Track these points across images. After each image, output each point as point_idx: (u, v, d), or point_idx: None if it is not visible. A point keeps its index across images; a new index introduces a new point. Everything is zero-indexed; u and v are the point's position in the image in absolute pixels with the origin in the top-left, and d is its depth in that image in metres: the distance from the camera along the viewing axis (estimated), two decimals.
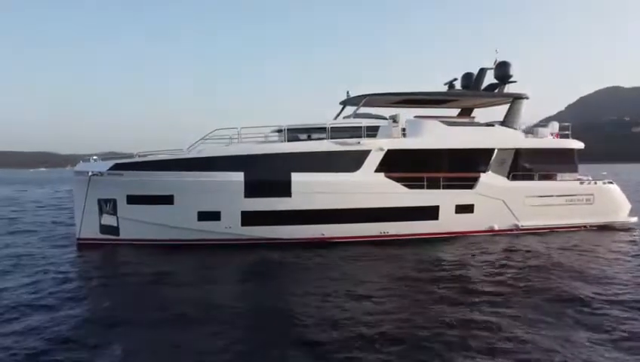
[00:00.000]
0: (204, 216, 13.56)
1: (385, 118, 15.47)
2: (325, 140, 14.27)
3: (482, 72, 17.38)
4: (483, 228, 15.21)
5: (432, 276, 10.34)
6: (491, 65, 17.14)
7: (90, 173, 13.71)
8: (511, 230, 15.41)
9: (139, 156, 14.06)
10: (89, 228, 14.04)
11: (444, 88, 18.10)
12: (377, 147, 14.30)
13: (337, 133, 14.49)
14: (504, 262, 11.69)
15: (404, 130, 15.10)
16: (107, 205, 13.99)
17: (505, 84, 17.00)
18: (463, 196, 14.90)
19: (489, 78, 17.40)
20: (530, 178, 15.86)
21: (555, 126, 17.20)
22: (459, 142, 15.05)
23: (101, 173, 13.68)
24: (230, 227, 13.68)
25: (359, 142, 14.25)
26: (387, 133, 14.73)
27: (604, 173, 17.48)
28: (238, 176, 13.40)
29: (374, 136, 14.65)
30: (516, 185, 15.59)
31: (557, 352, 6.25)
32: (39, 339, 6.86)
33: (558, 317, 7.56)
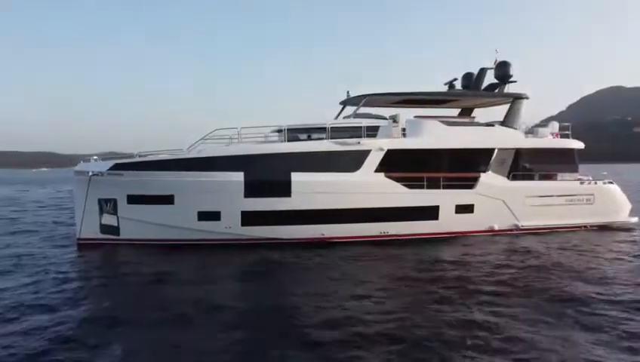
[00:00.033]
0: (204, 216, 13.57)
1: (385, 118, 15.47)
2: (325, 140, 14.28)
3: (482, 71, 17.38)
4: (483, 228, 15.21)
5: (432, 276, 10.34)
6: (491, 65, 17.14)
7: (90, 173, 13.73)
8: (511, 230, 15.41)
9: (139, 156, 14.07)
10: (89, 228, 14.06)
11: (445, 88, 18.10)
12: (377, 147, 14.31)
13: (337, 133, 14.50)
14: (504, 262, 11.70)
15: (404, 130, 15.10)
16: (107, 205, 14.01)
17: (505, 83, 17.00)
18: (463, 196, 14.89)
19: (489, 78, 17.41)
20: (531, 178, 15.86)
21: (555, 126, 17.19)
22: (459, 142, 15.05)
23: (101, 173, 13.70)
24: (230, 227, 13.69)
25: (359, 142, 14.25)
26: (387, 133, 14.73)
27: (605, 173, 17.47)
28: (238, 176, 13.41)
29: (374, 136, 14.65)
30: (516, 185, 15.59)
31: (557, 352, 6.26)
32: (39, 339, 6.87)
33: (558, 317, 7.57)
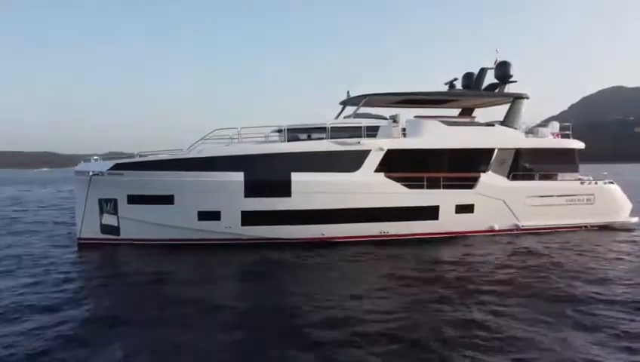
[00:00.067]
0: (204, 215, 13.59)
1: (385, 118, 15.47)
2: (325, 140, 14.29)
3: (483, 71, 17.38)
4: (483, 228, 15.20)
5: (432, 276, 10.35)
6: (492, 65, 17.13)
7: (90, 173, 13.74)
8: (511, 230, 15.41)
9: (139, 156, 14.09)
10: (90, 228, 14.07)
11: (445, 88, 18.09)
12: (377, 147, 14.31)
13: (337, 133, 14.50)
14: (504, 262, 11.70)
15: (404, 130, 15.10)
16: (108, 205, 14.02)
17: (505, 83, 16.99)
18: (463, 196, 14.89)
19: (489, 78, 17.41)
20: (531, 178, 15.85)
21: (555, 126, 17.18)
22: (459, 142, 15.05)
23: (102, 173, 13.71)
24: (230, 227, 13.70)
25: (359, 142, 14.26)
26: (387, 133, 14.74)
27: (605, 172, 17.46)
28: (238, 176, 13.42)
29: (374, 136, 14.65)
30: (516, 185, 15.58)
31: (556, 352, 6.27)
32: (40, 339, 6.89)
33: (558, 317, 7.57)
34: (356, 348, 6.47)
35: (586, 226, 16.20)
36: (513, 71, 16.76)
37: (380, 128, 14.83)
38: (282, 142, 14.54)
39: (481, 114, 18.73)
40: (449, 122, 15.70)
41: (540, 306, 8.11)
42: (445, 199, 14.71)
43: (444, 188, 14.67)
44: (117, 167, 13.74)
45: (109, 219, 14.12)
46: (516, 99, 16.48)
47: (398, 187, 14.29)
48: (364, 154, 14.21)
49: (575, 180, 16.46)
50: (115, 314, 8.03)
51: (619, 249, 13.27)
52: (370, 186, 14.09)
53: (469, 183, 15.03)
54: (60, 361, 6.25)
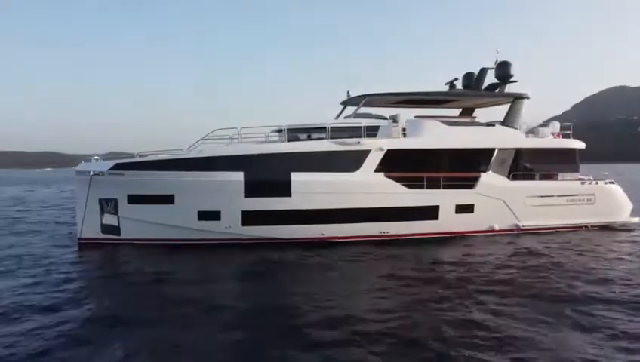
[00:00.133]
0: (204, 215, 13.61)
1: (385, 118, 15.48)
2: (325, 140, 14.30)
3: (483, 71, 17.36)
4: (483, 228, 15.20)
5: (432, 276, 10.35)
6: (492, 65, 17.11)
7: (91, 173, 13.78)
8: (511, 230, 15.40)
9: (139, 156, 14.12)
10: (90, 228, 14.10)
11: (445, 88, 18.09)
12: (377, 147, 14.31)
13: (337, 133, 14.51)
14: (504, 262, 11.70)
15: (404, 130, 15.10)
16: (108, 205, 14.06)
17: (506, 83, 16.97)
18: (463, 196, 14.88)
19: (490, 78, 17.39)
20: (531, 178, 15.83)
21: (556, 126, 17.16)
22: (459, 142, 15.04)
23: (102, 173, 13.74)
24: (230, 227, 13.72)
25: (359, 142, 14.26)
26: (387, 133, 14.74)
27: (606, 172, 17.43)
28: (238, 176, 13.44)
29: (374, 136, 14.66)
30: (517, 185, 15.57)
31: (556, 352, 6.27)
32: (40, 339, 6.91)
33: (558, 317, 7.57)
34: (356, 347, 6.49)
35: (586, 226, 16.18)
36: (514, 71, 16.73)
37: (380, 128, 14.84)
38: (282, 142, 14.55)
39: (481, 114, 18.75)
40: (449, 122, 15.69)
41: (539, 306, 8.11)
42: (445, 199, 14.71)
43: (444, 188, 14.67)
44: (117, 167, 13.78)
45: (110, 219, 14.16)
46: (516, 99, 16.46)
47: (398, 187, 14.29)
48: (364, 154, 14.22)
49: (576, 180, 16.43)
50: (116, 313, 8.05)
51: (619, 249, 13.26)
52: (370, 186, 14.09)
53: (469, 183, 15.02)
54: (61, 361, 6.27)
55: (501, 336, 6.79)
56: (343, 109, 17.76)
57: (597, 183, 16.48)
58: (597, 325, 7.20)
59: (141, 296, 9.39)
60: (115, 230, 14.17)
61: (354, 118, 15.59)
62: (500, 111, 17.25)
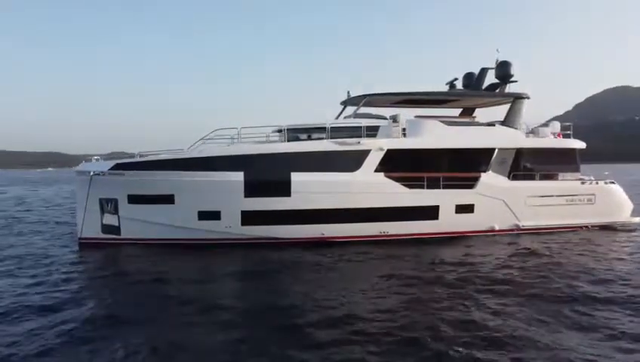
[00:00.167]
0: (204, 215, 13.62)
1: (385, 118, 15.48)
2: (325, 140, 14.30)
3: (483, 71, 17.35)
4: (483, 228, 15.19)
5: (431, 276, 10.35)
6: (492, 64, 17.11)
7: (91, 173, 13.81)
8: (512, 230, 15.38)
9: (139, 156, 14.14)
10: (91, 228, 14.12)
11: (445, 88, 18.08)
12: (377, 147, 14.31)
13: (337, 133, 14.51)
14: (504, 262, 11.69)
15: (404, 129, 15.09)
16: (108, 205, 14.08)
17: (506, 83, 16.96)
18: (463, 196, 14.88)
19: (490, 78, 17.38)
20: (531, 178, 15.82)
21: (556, 125, 17.15)
22: (459, 142, 15.04)
23: (102, 173, 13.77)
24: (230, 226, 13.73)
25: (359, 142, 14.27)
26: (387, 133, 14.74)
27: (607, 172, 17.40)
28: (238, 176, 13.45)
29: (374, 136, 14.66)
30: (517, 185, 15.56)
31: (556, 352, 6.27)
32: (41, 338, 6.92)
33: (558, 317, 7.57)
34: (356, 346, 6.49)
35: (586, 226, 16.17)
36: (514, 71, 16.72)
37: (380, 128, 14.83)
38: (282, 142, 14.56)
39: (481, 114, 18.73)
40: (449, 122, 15.69)
41: (539, 306, 8.10)
42: (445, 199, 14.70)
43: (444, 188, 14.66)
44: (117, 167, 13.80)
45: (110, 219, 14.18)
46: (517, 99, 16.45)
47: (398, 187, 14.29)
48: (364, 154, 14.22)
49: (576, 180, 16.42)
50: (116, 313, 8.06)
51: (619, 249, 13.26)
52: (370, 186, 14.09)
53: (470, 183, 15.01)
54: (61, 361, 6.28)
55: (501, 336, 6.78)
56: (343, 109, 17.76)
57: (597, 183, 16.47)
58: (596, 325, 7.20)
59: (141, 295, 9.40)
60: (115, 230, 14.19)
61: (354, 117, 15.58)
62: (500, 111, 17.27)
